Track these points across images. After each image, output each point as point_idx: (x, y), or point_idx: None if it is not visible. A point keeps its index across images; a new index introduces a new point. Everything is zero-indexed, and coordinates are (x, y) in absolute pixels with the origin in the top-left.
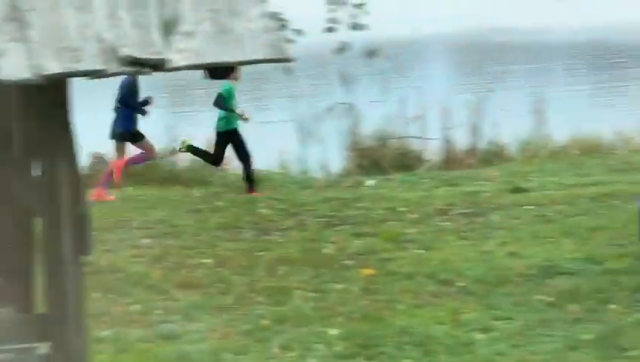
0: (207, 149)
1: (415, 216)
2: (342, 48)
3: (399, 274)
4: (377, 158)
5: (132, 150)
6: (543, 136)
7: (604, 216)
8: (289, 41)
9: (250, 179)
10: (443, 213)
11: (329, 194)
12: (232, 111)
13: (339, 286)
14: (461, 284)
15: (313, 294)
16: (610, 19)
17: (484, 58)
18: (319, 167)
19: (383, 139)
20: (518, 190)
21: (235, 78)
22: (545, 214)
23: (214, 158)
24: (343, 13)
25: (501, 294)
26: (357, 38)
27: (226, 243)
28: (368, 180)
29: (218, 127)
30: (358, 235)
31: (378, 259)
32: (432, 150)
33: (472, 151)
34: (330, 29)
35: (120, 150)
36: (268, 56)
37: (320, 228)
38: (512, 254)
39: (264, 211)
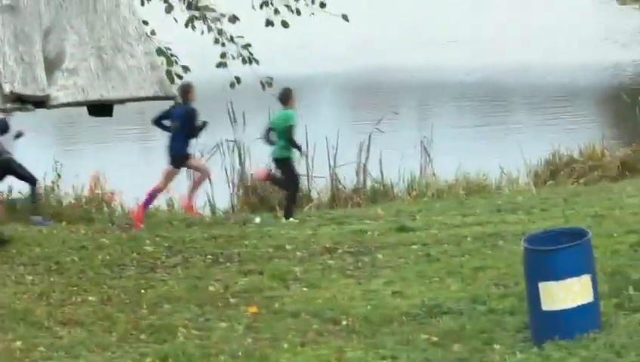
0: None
1: (301, 254)
2: (234, 83)
3: (284, 313)
4: (265, 196)
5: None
6: (429, 175)
7: (488, 256)
8: (178, 77)
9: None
10: (329, 251)
11: (215, 232)
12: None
13: (223, 324)
14: (346, 323)
15: (197, 332)
16: (500, 59)
17: (374, 97)
18: (206, 204)
19: None
20: (403, 229)
21: (293, 106)
22: (430, 254)
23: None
24: (232, 49)
25: (386, 333)
26: (249, 75)
27: (110, 280)
28: (255, 218)
29: (280, 154)
30: (244, 273)
31: (264, 297)
32: (319, 188)
33: (359, 190)
34: (221, 65)
35: (169, 176)
36: (152, 94)
37: (206, 266)
38: (397, 293)
39: (149, 248)
